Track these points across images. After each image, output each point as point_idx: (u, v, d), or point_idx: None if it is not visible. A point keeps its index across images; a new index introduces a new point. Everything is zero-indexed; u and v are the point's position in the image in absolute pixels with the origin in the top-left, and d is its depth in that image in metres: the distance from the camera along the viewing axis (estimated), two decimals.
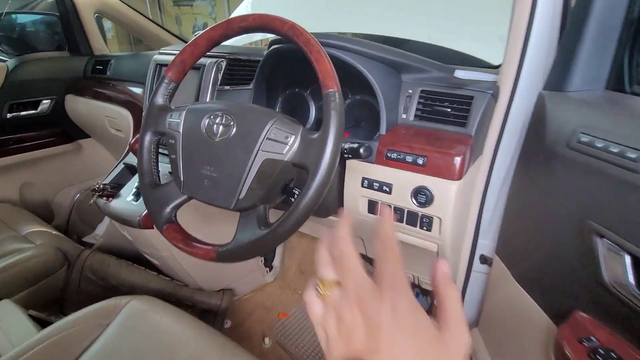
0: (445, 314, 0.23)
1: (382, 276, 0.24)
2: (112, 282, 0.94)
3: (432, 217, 0.60)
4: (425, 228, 0.61)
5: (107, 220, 1.21)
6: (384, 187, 0.62)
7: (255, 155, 0.46)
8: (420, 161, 0.58)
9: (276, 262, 1.30)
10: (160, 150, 0.58)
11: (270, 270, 1.28)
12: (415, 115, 0.65)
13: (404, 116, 0.66)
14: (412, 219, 0.62)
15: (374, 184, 0.63)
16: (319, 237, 0.30)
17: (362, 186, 0.65)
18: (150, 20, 1.42)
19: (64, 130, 1.36)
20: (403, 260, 0.24)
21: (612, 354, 0.36)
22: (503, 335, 0.63)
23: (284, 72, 0.79)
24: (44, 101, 1.26)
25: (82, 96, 1.26)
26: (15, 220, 0.99)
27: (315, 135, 0.44)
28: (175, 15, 4.24)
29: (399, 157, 0.60)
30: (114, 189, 0.83)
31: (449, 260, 0.68)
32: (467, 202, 0.66)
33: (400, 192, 0.61)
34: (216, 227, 0.96)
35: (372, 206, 0.66)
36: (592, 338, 0.39)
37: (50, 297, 0.86)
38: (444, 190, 0.57)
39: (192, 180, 0.52)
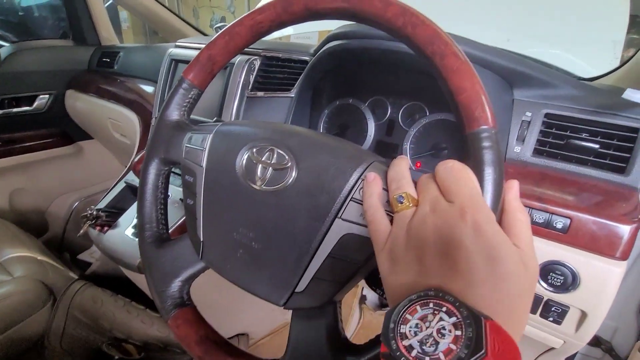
0: (517, 237, 0.23)
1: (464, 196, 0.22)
2: (104, 325, 0.77)
3: (568, 308, 0.40)
4: (552, 319, 0.42)
5: None
6: None
7: (330, 226, 0.27)
8: (559, 225, 0.38)
9: None
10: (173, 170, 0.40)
11: None
12: (536, 150, 0.45)
13: (517, 149, 0.46)
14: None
15: None
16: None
17: None
18: (167, 8, 1.24)
19: (64, 131, 1.19)
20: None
21: None
22: None
23: (337, 78, 0.60)
24: (41, 96, 1.09)
25: (84, 92, 1.09)
26: None
27: None
28: (192, 7, 4.09)
29: None
30: (111, 216, 0.65)
31: (564, 356, 0.49)
32: None
33: None
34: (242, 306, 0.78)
35: None
36: None
37: (27, 346, 0.68)
38: (601, 274, 0.37)
39: (218, 246, 0.33)
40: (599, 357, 0.59)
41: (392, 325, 0.20)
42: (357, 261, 0.27)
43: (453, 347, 0.18)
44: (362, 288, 0.98)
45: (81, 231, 0.64)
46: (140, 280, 0.70)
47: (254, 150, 0.31)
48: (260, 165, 0.31)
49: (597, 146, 0.41)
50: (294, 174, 0.29)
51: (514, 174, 0.45)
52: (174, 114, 0.38)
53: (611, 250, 0.36)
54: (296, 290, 0.29)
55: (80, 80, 1.13)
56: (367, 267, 0.27)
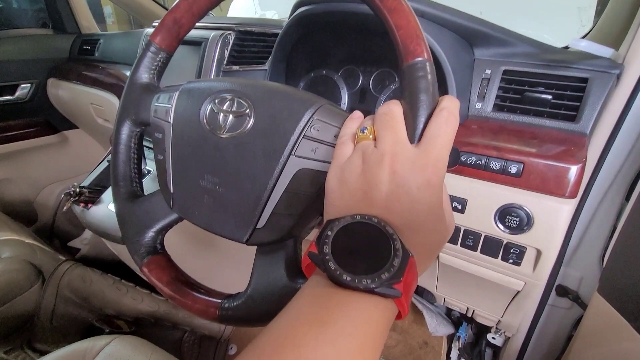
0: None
1: (428, 141, 0.23)
2: (94, 302, 0.78)
3: (525, 248, 0.42)
4: (511, 261, 0.44)
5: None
6: (455, 204, 0.45)
7: (285, 163, 0.29)
8: (513, 169, 0.41)
9: None
10: (146, 144, 0.42)
11: None
12: (495, 105, 0.47)
13: (478, 106, 0.48)
14: (491, 247, 0.45)
15: None
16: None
17: None
18: None
19: (47, 120, 1.19)
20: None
21: None
22: None
23: (308, 49, 0.61)
24: (23, 85, 1.09)
25: (66, 80, 1.09)
26: None
27: None
28: None
29: (479, 162, 0.43)
30: (94, 193, 0.67)
31: (528, 303, 0.52)
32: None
33: (479, 212, 0.43)
34: (225, 250, 0.80)
35: None
36: None
37: (16, 324, 0.70)
38: (552, 212, 0.39)
39: (186, 195, 0.35)
40: (566, 307, 0.62)
41: (329, 232, 0.22)
42: (310, 194, 0.29)
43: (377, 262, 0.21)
44: None
45: (64, 207, 0.65)
46: (127, 256, 0.71)
47: (216, 101, 0.33)
48: (221, 114, 0.32)
49: (550, 97, 0.44)
50: (251, 120, 0.31)
51: (476, 129, 0.47)
52: (143, 76, 0.40)
53: (561, 190, 0.39)
54: (257, 226, 0.31)
55: (62, 69, 1.12)
56: (319, 200, 0.29)
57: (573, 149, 0.40)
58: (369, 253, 0.21)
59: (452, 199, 0.45)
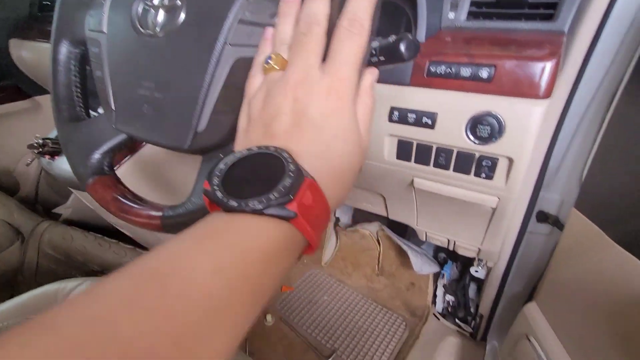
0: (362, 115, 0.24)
1: (333, 60, 0.22)
2: (78, 258, 0.78)
3: (496, 159, 0.41)
4: (484, 175, 0.43)
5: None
6: (425, 119, 0.43)
7: (221, 53, 0.27)
8: (484, 74, 0.38)
9: None
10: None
11: None
12: (470, 14, 0.43)
13: (451, 15, 0.44)
14: (464, 163, 0.43)
15: (409, 115, 0.43)
16: None
17: (391, 120, 0.45)
18: None
19: (15, 85, 1.13)
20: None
21: None
22: (584, 312, 0.47)
23: None
24: None
25: (29, 39, 1.02)
26: None
27: None
28: None
29: (448, 71, 0.40)
30: (58, 144, 0.64)
31: (506, 221, 0.51)
32: (544, 136, 0.47)
33: (450, 124, 0.41)
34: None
35: (404, 149, 0.47)
36: None
37: (0, 281, 0.70)
38: (523, 115, 0.37)
39: (127, 108, 0.32)
40: (546, 233, 0.61)
41: (222, 166, 0.20)
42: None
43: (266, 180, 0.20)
44: (335, 211, 1.00)
45: (29, 160, 0.62)
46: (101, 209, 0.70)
47: None
48: (152, 11, 0.29)
49: None
50: (183, 12, 0.28)
51: (449, 40, 0.43)
52: None
53: (533, 90, 0.36)
54: (198, 130, 0.29)
55: (23, 27, 1.05)
56: None
57: (547, 47, 0.37)
58: (261, 179, 0.20)
59: (421, 114, 0.42)
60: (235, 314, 0.16)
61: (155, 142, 0.32)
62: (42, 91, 1.20)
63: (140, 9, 0.30)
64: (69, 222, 1.02)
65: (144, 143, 0.63)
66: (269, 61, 0.23)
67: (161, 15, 0.29)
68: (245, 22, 0.26)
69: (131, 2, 0.31)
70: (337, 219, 1.02)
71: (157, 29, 0.29)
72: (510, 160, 0.40)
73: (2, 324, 0.44)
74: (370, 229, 0.93)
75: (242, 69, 0.26)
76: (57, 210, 1.15)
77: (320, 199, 0.21)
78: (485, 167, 0.42)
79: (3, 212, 0.76)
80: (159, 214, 0.30)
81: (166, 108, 0.30)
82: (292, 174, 0.19)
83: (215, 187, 0.20)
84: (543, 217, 0.59)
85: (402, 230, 0.96)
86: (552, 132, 0.50)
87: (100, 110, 0.65)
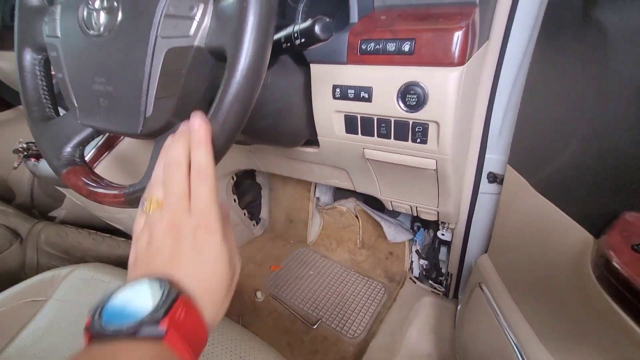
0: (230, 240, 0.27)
1: (194, 203, 0.25)
2: (76, 254, 0.84)
3: (427, 124, 0.45)
4: (419, 140, 0.47)
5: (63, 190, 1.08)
6: (362, 93, 0.47)
7: (155, 46, 0.31)
8: (406, 47, 0.42)
9: (263, 214, 1.19)
10: None
11: (257, 224, 1.18)
12: None
13: None
14: (401, 130, 0.48)
15: (349, 91, 0.48)
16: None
17: (335, 97, 0.50)
18: None
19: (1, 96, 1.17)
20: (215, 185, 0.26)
21: None
22: (519, 258, 0.53)
23: None
24: None
25: (4, 49, 1.05)
26: None
27: (231, 0, 0.29)
28: None
29: (377, 47, 0.44)
30: None
31: (452, 182, 0.56)
32: (471, 101, 0.51)
33: (384, 96, 0.46)
34: None
35: (351, 123, 0.52)
36: None
37: (4, 280, 0.75)
38: (441, 82, 0.42)
39: (87, 103, 0.37)
40: (497, 192, 0.67)
41: (104, 298, 0.22)
42: (182, 71, 0.31)
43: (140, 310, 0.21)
44: (315, 190, 1.05)
45: (15, 164, 0.67)
46: (88, 203, 0.75)
47: (89, 2, 0.34)
48: (94, 13, 0.33)
49: None
50: (120, 12, 0.32)
51: (379, 19, 0.47)
52: None
53: (448, 58, 0.41)
54: (146, 115, 0.33)
55: None
56: (191, 75, 0.31)
57: (459, 18, 0.41)
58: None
59: (359, 89, 0.47)
60: None
61: (114, 131, 0.36)
62: None
63: (85, 13, 0.34)
64: (64, 223, 1.08)
65: (120, 140, 0.68)
66: (144, 206, 0.27)
67: (103, 17, 0.33)
68: (170, 15, 0.30)
69: (77, 7, 0.35)
70: (318, 199, 1.08)
71: (101, 29, 0.33)
72: (437, 124, 0.45)
73: (6, 307, 0.50)
74: (348, 205, 0.99)
75: (173, 57, 0.31)
76: (52, 213, 1.20)
77: (193, 313, 0.22)
78: (418, 133, 0.47)
79: (2, 217, 0.81)
80: (122, 192, 0.35)
81: (118, 99, 0.34)
82: (166, 292, 0.21)
83: (94, 319, 0.21)
84: (492, 177, 0.64)
85: (380, 205, 1.02)
86: (488, 97, 0.55)
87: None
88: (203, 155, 0.26)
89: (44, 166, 0.68)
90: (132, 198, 0.34)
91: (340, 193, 1.09)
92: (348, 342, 0.80)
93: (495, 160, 0.62)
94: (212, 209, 0.25)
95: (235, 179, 1.01)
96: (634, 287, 0.29)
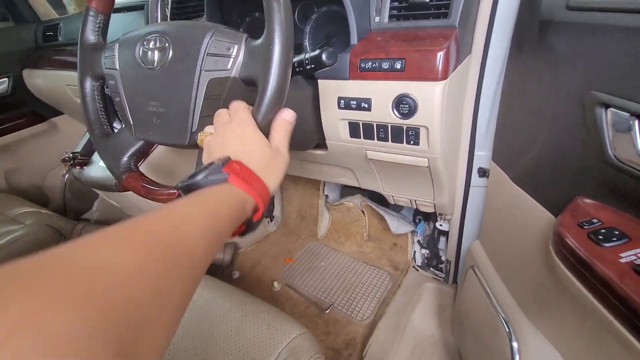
0: (274, 138, 0.38)
1: (232, 114, 0.37)
2: None
3: (418, 128, 0.54)
4: (412, 142, 0.56)
5: (100, 194, 1.19)
6: (363, 104, 0.56)
7: (199, 77, 0.40)
8: (398, 65, 0.51)
9: (276, 211, 1.29)
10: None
11: (271, 221, 1.27)
12: (391, 16, 0.56)
13: (377, 19, 0.57)
14: (397, 134, 0.56)
15: (351, 102, 0.57)
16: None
17: (340, 107, 0.58)
18: None
19: (33, 110, 1.28)
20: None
21: (615, 232, 0.33)
22: (503, 242, 0.61)
23: None
24: (1, 80, 1.17)
25: (39, 68, 1.17)
26: (4, 204, 0.97)
27: (260, 41, 0.37)
28: None
29: (374, 65, 0.53)
30: (86, 155, 0.79)
31: (444, 177, 0.64)
32: (457, 107, 0.59)
33: (381, 106, 0.54)
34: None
35: (354, 129, 0.60)
36: (594, 220, 0.35)
37: None
38: (428, 94, 0.50)
39: (141, 121, 0.46)
40: (486, 185, 0.74)
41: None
42: (220, 95, 0.40)
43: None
44: (324, 188, 1.14)
45: (64, 172, 0.77)
46: (122, 200, 0.84)
47: (144, 42, 0.43)
48: (149, 52, 0.43)
49: (428, 0, 0.52)
50: (171, 51, 0.41)
51: (375, 40, 0.56)
52: (90, 38, 0.49)
53: (432, 73, 0.49)
54: (192, 130, 0.42)
55: (33, 57, 1.19)
56: (227, 99, 0.40)
57: (441, 39, 0.49)
58: None
59: (361, 100, 0.56)
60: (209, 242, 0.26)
61: (165, 143, 0.46)
62: (57, 113, 1.35)
63: (141, 51, 0.43)
64: (97, 223, 1.19)
65: (153, 148, 0.78)
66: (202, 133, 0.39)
67: (156, 54, 0.42)
68: (211, 54, 0.39)
69: (134, 46, 0.44)
70: (327, 197, 1.16)
71: (155, 64, 0.42)
72: (427, 129, 0.53)
73: None
74: (354, 201, 1.07)
75: (214, 85, 0.40)
76: (85, 216, 1.31)
77: (246, 168, 0.33)
78: (411, 136, 0.55)
79: (46, 218, 0.92)
80: (174, 187, 0.44)
81: (169, 118, 0.43)
82: (221, 160, 0.32)
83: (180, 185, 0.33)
84: (482, 172, 0.72)
85: (384, 200, 1.10)
86: (474, 102, 0.63)
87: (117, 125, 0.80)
88: (237, 104, 0.38)
89: (88, 173, 0.78)
90: (184, 188, 0.43)
91: (347, 190, 1.18)
92: (358, 324, 0.89)
93: (484, 157, 0.70)
94: (244, 114, 0.36)
95: None
96: (581, 258, 0.37)
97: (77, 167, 0.78)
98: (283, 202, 1.25)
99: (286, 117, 0.39)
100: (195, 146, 0.44)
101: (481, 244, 0.70)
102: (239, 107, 0.37)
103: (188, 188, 0.32)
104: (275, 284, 1.03)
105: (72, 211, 1.39)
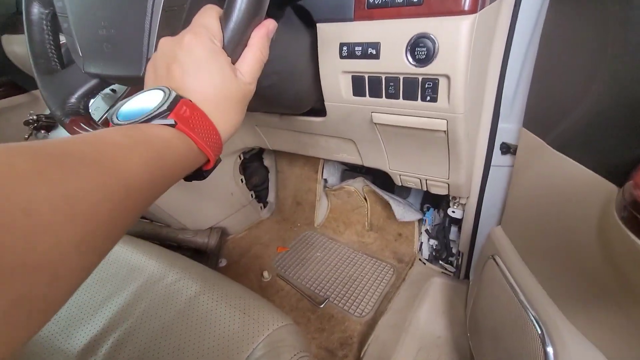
0: (242, 61, 0.29)
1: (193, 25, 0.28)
2: None
3: (436, 79, 0.44)
4: (428, 98, 0.46)
5: None
6: (370, 50, 0.46)
7: None
8: None
9: (270, 197, 1.19)
10: None
11: (265, 207, 1.18)
12: None
13: None
14: (410, 89, 0.46)
15: (356, 49, 0.47)
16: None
17: (342, 57, 0.48)
18: None
19: (12, 80, 1.19)
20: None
21: None
22: (535, 225, 0.50)
23: None
24: None
25: (18, 33, 1.07)
26: None
27: None
28: None
29: (385, 0, 0.43)
30: (50, 118, 0.69)
31: (463, 147, 0.54)
32: (484, 57, 0.49)
33: (392, 52, 0.44)
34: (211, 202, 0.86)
35: (359, 85, 0.50)
36: None
37: None
38: (452, 32, 0.40)
39: (91, 50, 0.37)
40: (511, 164, 0.64)
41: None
42: (183, 5, 0.31)
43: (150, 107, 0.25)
44: (323, 171, 1.04)
45: (26, 135, 0.68)
46: None
47: None
48: None
49: None
50: None
51: None
52: None
53: (459, 5, 0.39)
54: (149, 56, 0.33)
55: (12, 23, 1.10)
56: (192, 10, 0.30)
57: None
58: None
59: (367, 46, 0.46)
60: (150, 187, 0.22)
61: (118, 77, 0.36)
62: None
63: None
64: None
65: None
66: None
67: None
68: None
69: None
70: (325, 181, 1.06)
71: None
72: (448, 78, 0.43)
73: None
74: (356, 185, 0.97)
75: None
76: None
77: (198, 113, 0.26)
78: (428, 90, 0.45)
79: None
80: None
81: (121, 42, 0.34)
82: (170, 98, 0.24)
83: (112, 120, 0.25)
84: (506, 148, 0.62)
85: (389, 186, 1.00)
86: (502, 55, 0.53)
87: None
88: (204, 8, 0.29)
89: (53, 137, 0.68)
90: None
91: (348, 175, 1.08)
92: (355, 320, 0.79)
93: (509, 130, 0.60)
94: (208, 20, 0.27)
95: (242, 158, 1.01)
96: None
97: (42, 131, 0.69)
98: (278, 187, 1.15)
99: (266, 33, 0.29)
100: None
101: (504, 231, 0.60)
102: (205, 11, 0.28)
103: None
104: (265, 273, 0.93)
105: None
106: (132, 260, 0.51)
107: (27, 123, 0.68)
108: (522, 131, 0.52)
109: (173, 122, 0.24)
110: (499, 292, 0.54)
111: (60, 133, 0.68)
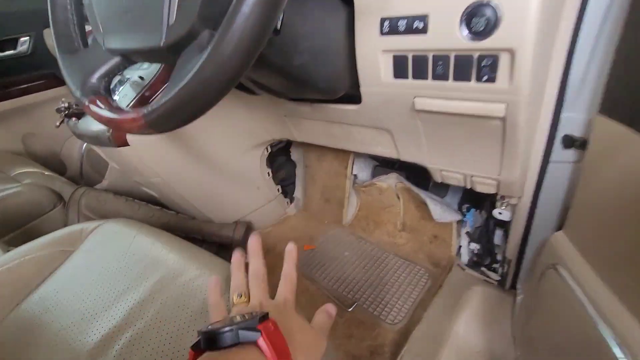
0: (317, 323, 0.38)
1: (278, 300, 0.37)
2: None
3: (497, 54, 0.37)
4: (485, 78, 0.39)
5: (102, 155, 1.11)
6: (416, 24, 0.40)
7: None
8: None
9: (297, 193, 1.15)
10: None
11: (291, 202, 1.14)
12: None
13: None
14: (463, 68, 0.40)
15: (400, 23, 0.41)
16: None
17: (383, 33, 0.43)
18: None
19: (53, 73, 1.23)
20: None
21: None
22: (613, 230, 0.42)
23: None
24: (22, 39, 1.12)
25: None
26: (6, 163, 0.91)
27: None
28: None
29: None
30: (79, 105, 0.69)
31: (522, 137, 0.47)
32: (551, 32, 0.42)
33: (443, 24, 0.38)
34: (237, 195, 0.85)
35: (400, 66, 0.45)
36: None
37: None
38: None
39: (112, 25, 0.34)
40: (574, 160, 0.56)
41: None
42: None
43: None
44: (353, 166, 0.98)
45: (57, 123, 0.68)
46: (121, 160, 0.74)
47: None
48: None
49: None
50: None
51: None
52: None
53: None
54: (169, 23, 0.29)
55: None
56: None
57: None
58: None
59: (412, 19, 0.40)
60: None
61: (138, 50, 0.33)
62: None
63: None
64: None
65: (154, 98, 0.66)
66: (241, 296, 0.37)
67: None
68: None
69: None
70: (355, 177, 1.01)
71: None
72: (512, 53, 0.36)
73: (33, 255, 0.49)
74: (388, 182, 0.91)
75: None
76: (97, 186, 1.25)
77: (280, 334, 0.29)
78: (485, 68, 0.38)
79: (45, 180, 0.85)
80: (141, 114, 0.32)
81: (140, 11, 0.31)
82: (259, 314, 0.29)
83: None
84: (569, 141, 0.54)
85: (424, 184, 0.93)
86: (571, 31, 0.45)
87: None
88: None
89: (83, 125, 0.68)
90: (153, 118, 0.30)
91: (379, 171, 1.01)
92: (387, 328, 0.73)
93: (572, 120, 0.52)
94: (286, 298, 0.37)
95: (269, 150, 0.97)
96: None
97: (73, 118, 0.69)
98: (306, 182, 1.11)
99: (332, 312, 0.39)
100: (173, 50, 0.30)
101: (568, 237, 0.51)
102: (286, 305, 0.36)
103: (209, 336, 0.28)
104: None
105: (88, 182, 1.34)
106: (153, 252, 0.48)
107: (58, 110, 0.69)
108: (598, 119, 0.43)
109: (258, 335, 0.27)
110: (562, 306, 0.46)
111: (86, 121, 0.68)
